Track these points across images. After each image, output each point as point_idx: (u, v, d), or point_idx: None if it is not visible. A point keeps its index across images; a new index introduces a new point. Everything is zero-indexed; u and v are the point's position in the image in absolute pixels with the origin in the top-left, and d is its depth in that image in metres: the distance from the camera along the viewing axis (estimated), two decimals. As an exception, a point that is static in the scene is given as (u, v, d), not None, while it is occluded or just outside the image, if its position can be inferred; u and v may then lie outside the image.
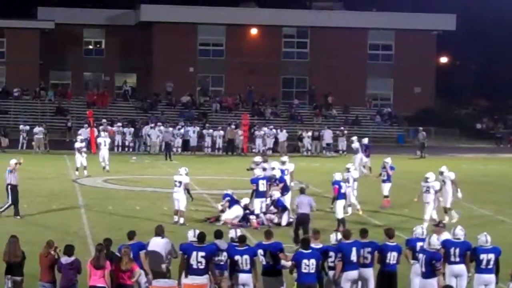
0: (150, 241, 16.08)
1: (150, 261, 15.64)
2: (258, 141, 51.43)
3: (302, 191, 23.40)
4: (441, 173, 26.05)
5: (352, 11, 71.05)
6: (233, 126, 52.00)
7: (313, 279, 15.02)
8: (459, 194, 25.94)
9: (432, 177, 24.82)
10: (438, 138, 56.95)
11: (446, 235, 16.30)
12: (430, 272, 15.07)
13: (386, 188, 28.61)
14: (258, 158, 28.66)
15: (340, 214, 23.94)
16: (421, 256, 15.25)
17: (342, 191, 24.04)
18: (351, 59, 68.73)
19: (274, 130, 52.35)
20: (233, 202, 24.92)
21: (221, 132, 51.35)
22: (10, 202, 25.05)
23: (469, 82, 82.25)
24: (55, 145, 49.34)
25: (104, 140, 39.80)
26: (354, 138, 42.83)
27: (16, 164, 25.42)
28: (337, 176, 24.53)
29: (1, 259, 15.57)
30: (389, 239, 15.86)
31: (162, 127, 50.25)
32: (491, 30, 75.35)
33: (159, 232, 16.24)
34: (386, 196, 28.63)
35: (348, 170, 26.40)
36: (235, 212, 24.70)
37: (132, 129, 51.41)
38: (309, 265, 14.90)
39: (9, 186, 25.04)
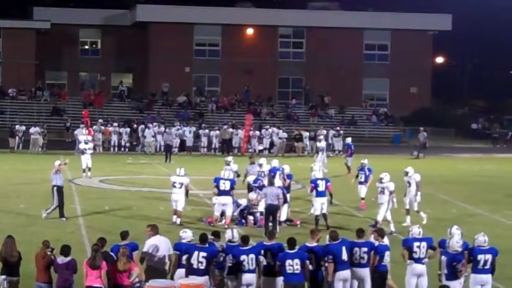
0: (151, 240, 15.95)
1: (155, 260, 15.64)
2: (253, 141, 51.39)
3: (271, 182, 23.98)
4: (406, 173, 25.48)
5: (348, 11, 71.13)
6: (225, 126, 52.02)
7: (299, 279, 15.03)
8: (418, 198, 25.22)
9: (387, 178, 24.15)
10: (434, 138, 57.01)
11: (385, 240, 16.28)
12: (452, 274, 15.14)
13: (363, 190, 27.85)
14: (229, 158, 28.54)
15: (317, 211, 24.08)
16: (443, 258, 15.31)
17: (320, 189, 24.09)
18: (347, 59, 68.78)
19: (270, 130, 52.32)
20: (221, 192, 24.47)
21: (217, 132, 51.32)
22: (55, 203, 24.94)
23: (465, 82, 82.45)
24: (52, 145, 49.23)
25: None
26: (321, 137, 42.44)
27: (60, 165, 25.35)
28: (317, 174, 24.93)
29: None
30: (381, 239, 15.91)
31: (157, 128, 50.25)
32: (487, 31, 75.49)
33: (156, 231, 16.20)
34: (362, 199, 27.93)
35: (312, 169, 26.44)
36: (224, 199, 24.34)
37: (128, 129, 51.31)
38: (293, 265, 14.92)
39: (55, 188, 24.98)
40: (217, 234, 15.97)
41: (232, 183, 24.36)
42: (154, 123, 52.31)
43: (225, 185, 24.23)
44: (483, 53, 79.55)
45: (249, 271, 15.16)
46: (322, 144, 39.64)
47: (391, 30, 70.61)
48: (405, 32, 69.62)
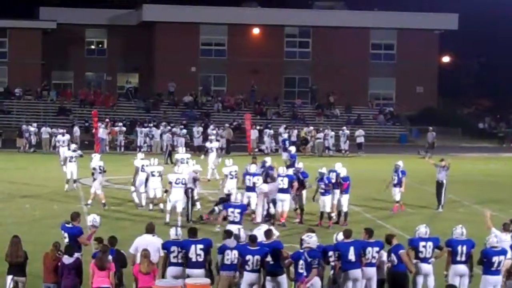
0: (139, 238, 16.08)
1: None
2: (267, 140, 51.50)
3: (272, 178, 24.56)
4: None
5: (354, 10, 71.03)
6: (227, 125, 51.99)
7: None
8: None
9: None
10: (441, 137, 56.83)
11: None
12: (496, 269, 15.28)
13: (396, 193, 27.53)
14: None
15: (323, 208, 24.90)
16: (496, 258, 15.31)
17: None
18: (353, 58, 68.74)
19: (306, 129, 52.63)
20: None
21: (220, 132, 51.28)
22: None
23: (472, 81, 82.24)
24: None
25: (63, 139, 41.42)
26: (213, 137, 41.93)
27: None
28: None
29: (4, 259, 15.53)
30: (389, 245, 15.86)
31: (163, 128, 50.28)
32: (494, 29, 75.29)
33: (150, 230, 16.25)
34: (397, 202, 27.72)
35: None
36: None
37: (144, 129, 51.07)
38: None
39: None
40: (229, 233, 15.99)
41: (291, 179, 24.82)
42: (164, 123, 52.38)
43: (283, 182, 24.54)
44: (489, 53, 79.35)
45: (253, 270, 15.12)
46: (214, 144, 39.24)
47: (397, 29, 70.52)
48: (411, 31, 69.52)
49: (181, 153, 33.78)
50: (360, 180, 32.53)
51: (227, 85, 69.91)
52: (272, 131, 51.85)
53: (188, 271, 15.21)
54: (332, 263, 15.57)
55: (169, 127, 50.32)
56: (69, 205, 27.59)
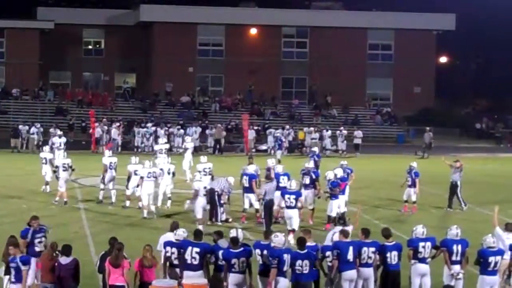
0: (163, 236, 16.26)
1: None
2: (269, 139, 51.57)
3: (269, 178, 24.74)
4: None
5: (351, 11, 71.09)
6: (219, 125, 52.06)
7: (308, 278, 15.03)
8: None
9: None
10: (438, 138, 56.84)
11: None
12: (493, 269, 15.39)
13: (412, 194, 27.67)
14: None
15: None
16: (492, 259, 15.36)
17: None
18: (351, 59, 68.73)
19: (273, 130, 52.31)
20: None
21: (213, 131, 51.34)
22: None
23: (469, 81, 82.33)
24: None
25: (59, 142, 40.40)
26: (188, 138, 41.50)
27: None
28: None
29: (0, 259, 15.50)
30: (386, 240, 15.85)
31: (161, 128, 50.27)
32: (491, 30, 75.39)
33: (174, 228, 16.31)
34: (405, 201, 27.94)
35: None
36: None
37: (141, 130, 51.00)
38: (303, 266, 14.89)
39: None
40: (220, 233, 15.98)
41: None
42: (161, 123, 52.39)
43: (284, 181, 24.53)
44: (487, 53, 79.46)
45: (239, 271, 15.08)
46: (190, 144, 39.13)
47: (395, 29, 70.54)
48: (409, 31, 69.55)
49: (161, 143, 34.16)
50: (357, 181, 32.44)
51: (224, 85, 69.89)
52: (276, 131, 51.76)
53: (184, 272, 15.20)
54: (329, 263, 15.55)
55: (166, 128, 50.35)
56: (67, 205, 27.55)
